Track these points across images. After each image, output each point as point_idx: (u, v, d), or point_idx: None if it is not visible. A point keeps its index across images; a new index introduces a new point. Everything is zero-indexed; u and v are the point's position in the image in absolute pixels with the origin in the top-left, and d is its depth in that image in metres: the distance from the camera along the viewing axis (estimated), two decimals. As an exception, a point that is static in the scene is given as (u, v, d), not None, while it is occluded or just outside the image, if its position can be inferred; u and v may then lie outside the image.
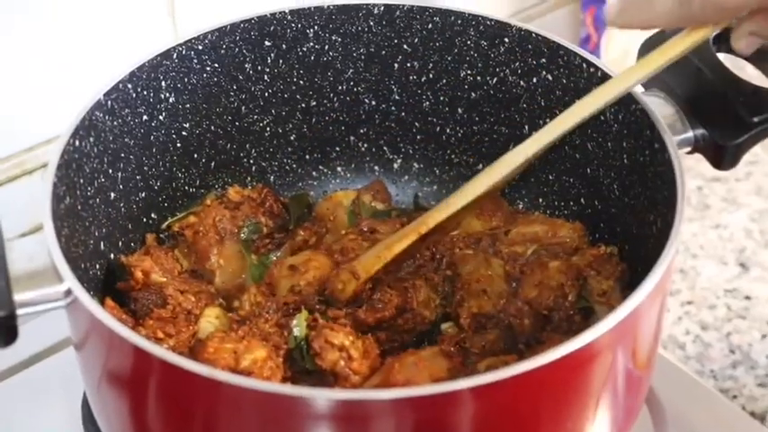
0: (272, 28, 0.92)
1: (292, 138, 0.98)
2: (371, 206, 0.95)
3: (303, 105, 0.96)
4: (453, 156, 0.98)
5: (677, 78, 0.84)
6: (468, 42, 0.92)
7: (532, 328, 0.81)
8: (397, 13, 0.92)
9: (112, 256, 0.85)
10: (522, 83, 0.91)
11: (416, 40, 0.94)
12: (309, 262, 0.86)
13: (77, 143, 0.79)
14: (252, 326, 0.80)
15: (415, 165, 1.00)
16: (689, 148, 0.83)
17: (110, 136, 0.84)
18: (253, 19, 0.91)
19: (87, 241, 0.80)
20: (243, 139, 0.96)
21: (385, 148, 0.99)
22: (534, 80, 0.90)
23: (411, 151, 0.99)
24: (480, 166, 0.97)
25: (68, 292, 0.69)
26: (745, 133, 0.81)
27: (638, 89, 0.83)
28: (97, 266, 0.82)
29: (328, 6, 0.92)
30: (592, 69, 0.85)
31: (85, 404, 0.87)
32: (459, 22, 0.91)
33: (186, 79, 0.90)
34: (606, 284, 0.81)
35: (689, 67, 0.84)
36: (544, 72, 0.89)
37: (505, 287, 0.84)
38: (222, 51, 0.91)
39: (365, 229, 0.90)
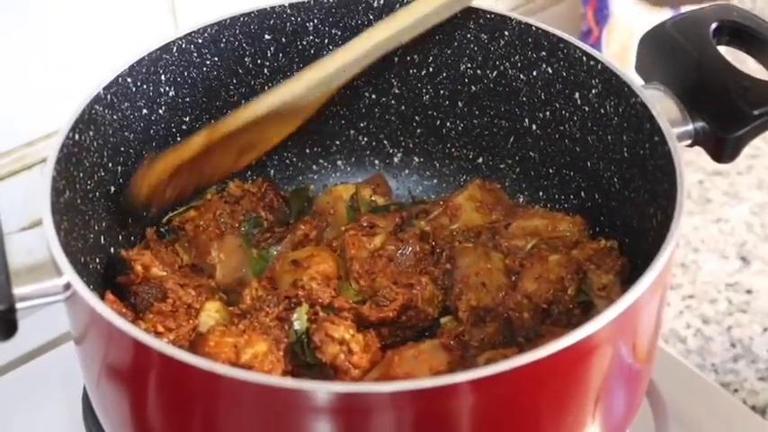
0: (271, 21, 0.92)
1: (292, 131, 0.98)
2: (371, 200, 0.94)
3: (303, 99, 0.96)
4: (453, 149, 0.98)
5: (677, 71, 0.84)
6: (468, 36, 0.92)
7: (532, 322, 0.81)
8: (397, 6, 0.92)
9: (112, 250, 0.85)
10: (522, 76, 0.91)
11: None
12: (312, 257, 0.86)
13: (77, 137, 0.79)
14: (252, 320, 0.80)
15: (416, 158, 0.99)
16: (689, 141, 0.83)
17: (109, 130, 0.84)
18: (252, 12, 0.91)
19: (87, 235, 0.80)
20: (243, 133, 0.96)
21: (385, 141, 0.99)
22: (534, 73, 0.90)
23: (411, 145, 0.99)
24: (480, 159, 0.97)
25: (68, 286, 0.69)
26: (746, 126, 0.81)
27: (639, 82, 0.83)
28: (97, 260, 0.82)
29: (328, 0, 0.92)
30: (592, 62, 0.85)
31: (85, 398, 0.86)
32: (459, 15, 0.91)
33: (186, 73, 0.89)
34: (606, 278, 0.81)
35: (689, 59, 0.84)
36: (544, 65, 0.89)
37: (505, 280, 0.84)
38: (222, 45, 0.91)
39: (365, 224, 0.89)
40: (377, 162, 1.00)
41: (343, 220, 0.93)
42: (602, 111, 0.85)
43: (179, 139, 0.91)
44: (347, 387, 0.63)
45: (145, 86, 0.87)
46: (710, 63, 0.83)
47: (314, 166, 1.00)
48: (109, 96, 0.83)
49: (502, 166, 0.96)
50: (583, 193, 0.91)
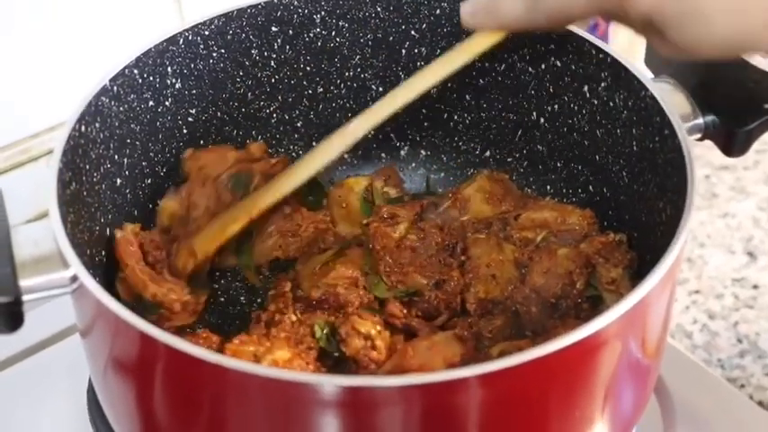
0: (278, 13, 0.91)
1: (299, 124, 0.97)
2: (384, 191, 0.94)
3: (310, 92, 0.96)
4: (461, 143, 0.98)
5: (687, 65, 0.84)
6: (477, 28, 0.91)
7: (540, 316, 0.81)
8: (405, -4, 0.91)
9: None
10: (530, 69, 0.91)
11: (424, 25, 0.93)
12: (335, 260, 0.86)
13: (83, 128, 0.78)
14: (278, 328, 0.79)
15: (423, 152, 0.99)
16: (699, 135, 0.83)
17: (116, 122, 0.83)
18: (260, 4, 0.90)
19: (93, 227, 0.80)
20: (249, 126, 0.95)
21: (392, 134, 0.99)
22: (543, 66, 0.90)
23: (418, 138, 0.98)
24: (488, 152, 0.97)
25: (74, 279, 0.68)
26: (757, 119, 0.81)
27: (648, 75, 0.83)
28: (103, 253, 0.82)
29: (335, -8, 0.92)
30: (601, 55, 0.85)
31: (91, 391, 0.86)
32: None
33: (192, 65, 0.89)
34: (615, 272, 0.81)
35: (699, 53, 0.83)
36: (553, 58, 0.89)
37: (515, 273, 0.84)
38: (229, 37, 0.90)
39: (386, 216, 0.88)
40: (383, 155, 1.00)
41: (356, 213, 0.92)
42: (612, 104, 0.85)
43: (185, 131, 0.91)
44: (354, 381, 0.63)
45: (151, 78, 0.86)
46: (721, 56, 0.83)
47: (320, 160, 0.99)
48: (115, 88, 0.82)
49: (509, 159, 0.96)
50: (591, 187, 0.90)
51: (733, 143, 0.82)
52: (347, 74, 0.95)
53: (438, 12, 0.92)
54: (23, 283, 0.68)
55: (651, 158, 0.81)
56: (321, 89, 0.96)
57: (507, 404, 0.65)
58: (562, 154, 0.92)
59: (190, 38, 0.88)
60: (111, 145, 0.83)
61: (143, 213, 0.88)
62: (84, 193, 0.78)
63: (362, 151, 0.99)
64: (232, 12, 0.89)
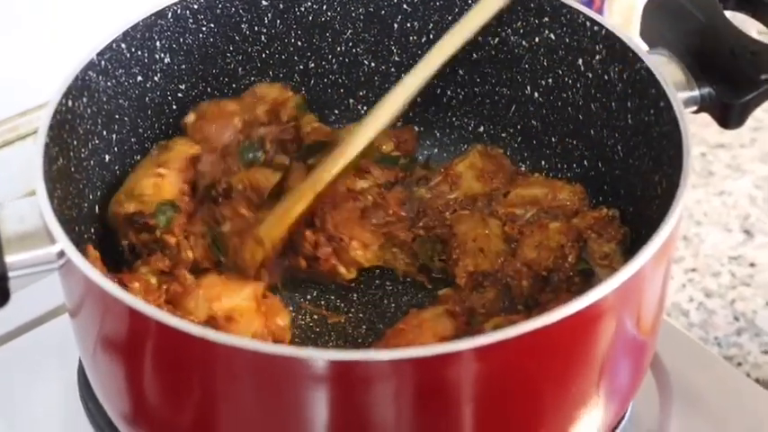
0: (268, -13, 0.90)
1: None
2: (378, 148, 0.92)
3: (301, 67, 0.95)
4: (454, 118, 0.97)
5: (683, 36, 0.83)
6: (469, 1, 0.90)
7: (531, 290, 0.81)
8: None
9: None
10: (524, 43, 0.90)
11: (416, -1, 0.92)
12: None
13: (70, 103, 0.77)
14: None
15: (415, 128, 0.98)
16: (695, 107, 0.82)
17: (103, 97, 0.82)
18: (249, -23, 0.89)
19: (81, 204, 0.79)
20: (240, 102, 0.94)
21: (385, 110, 0.98)
22: (537, 40, 0.89)
23: (411, 114, 0.97)
24: (481, 128, 0.96)
25: (61, 254, 0.67)
26: (753, 91, 0.80)
27: (644, 47, 0.82)
28: (92, 230, 0.81)
29: (327, -35, 0.91)
30: (596, 28, 0.84)
31: (81, 371, 0.86)
32: (459, -20, 0.89)
33: (182, 39, 0.88)
34: (608, 247, 0.81)
35: (695, 24, 0.82)
36: (547, 31, 0.88)
37: (503, 247, 0.83)
38: (218, 11, 0.89)
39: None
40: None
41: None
42: (606, 77, 0.84)
43: (174, 107, 0.89)
44: (345, 355, 0.62)
45: (139, 53, 0.85)
46: (717, 28, 0.82)
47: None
48: (103, 62, 0.81)
49: (503, 134, 0.95)
50: (586, 162, 0.89)
51: (729, 115, 0.81)
52: (339, 48, 0.94)
53: (430, -15, 0.91)
54: (9, 258, 0.67)
55: (646, 131, 0.80)
56: (312, 64, 0.95)
57: (502, 378, 0.64)
58: (556, 128, 0.91)
59: (179, 12, 0.87)
60: (99, 120, 0.82)
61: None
62: (72, 169, 0.78)
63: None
64: (221, -15, 0.89)
